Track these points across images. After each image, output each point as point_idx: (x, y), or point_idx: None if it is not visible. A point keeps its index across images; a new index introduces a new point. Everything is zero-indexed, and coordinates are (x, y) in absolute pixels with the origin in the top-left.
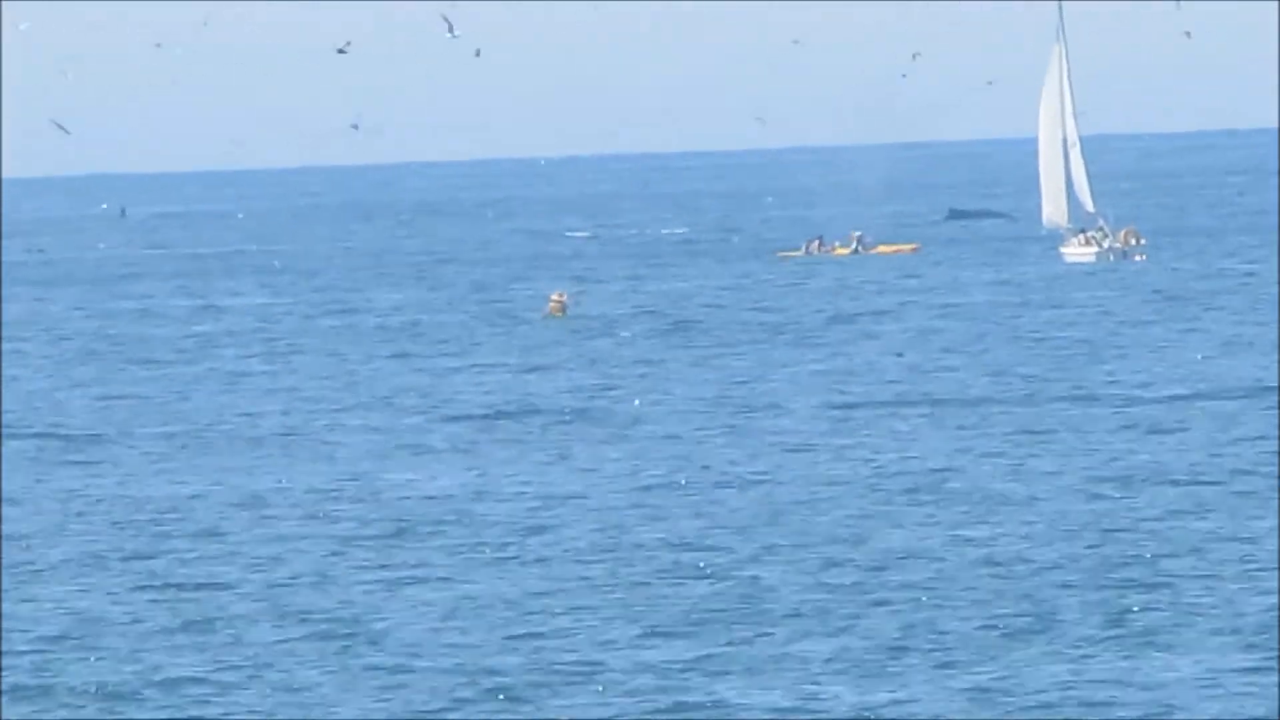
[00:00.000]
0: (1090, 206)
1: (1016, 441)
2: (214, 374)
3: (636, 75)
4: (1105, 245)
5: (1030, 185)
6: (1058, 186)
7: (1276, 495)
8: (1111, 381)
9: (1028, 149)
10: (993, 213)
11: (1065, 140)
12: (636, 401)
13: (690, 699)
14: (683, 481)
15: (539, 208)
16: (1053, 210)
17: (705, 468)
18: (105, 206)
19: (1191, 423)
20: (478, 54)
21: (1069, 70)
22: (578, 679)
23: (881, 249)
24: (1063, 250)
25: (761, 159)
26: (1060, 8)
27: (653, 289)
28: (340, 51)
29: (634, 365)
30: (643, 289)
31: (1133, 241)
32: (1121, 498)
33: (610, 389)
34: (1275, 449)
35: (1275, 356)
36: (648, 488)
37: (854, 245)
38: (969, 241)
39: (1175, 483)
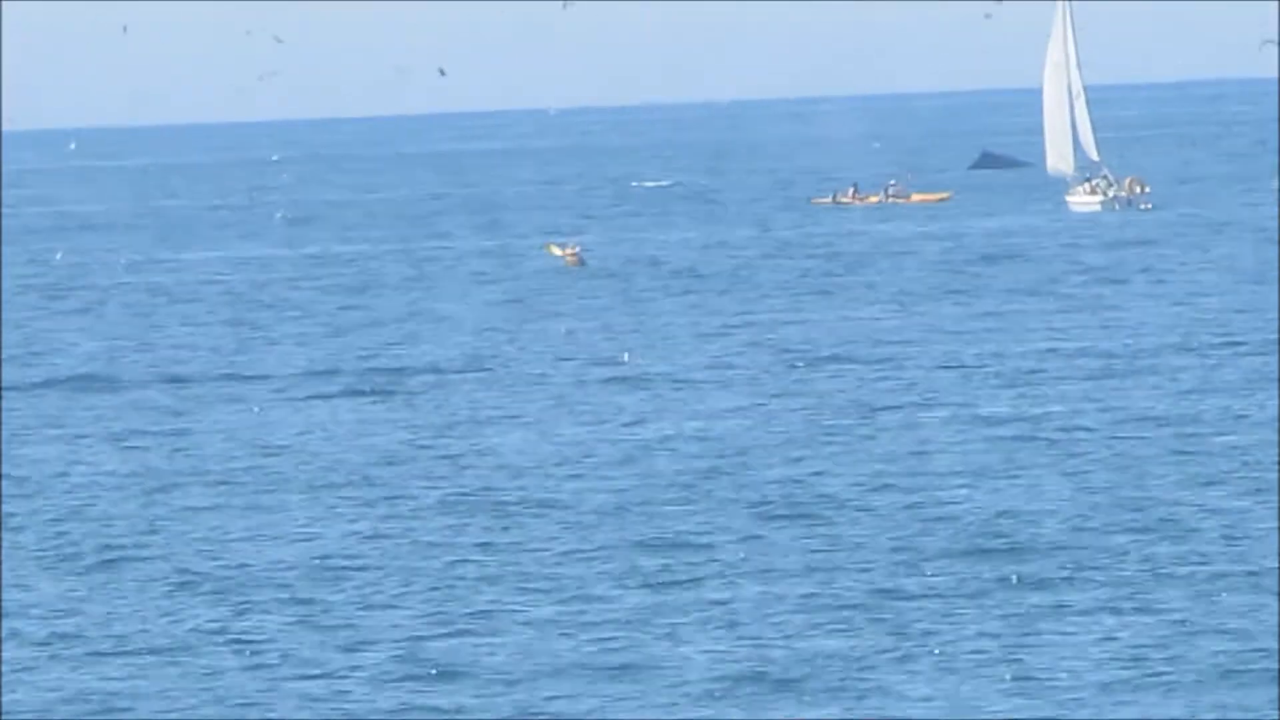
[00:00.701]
0: (1095, 155)
1: (1006, 392)
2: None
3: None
4: (1110, 194)
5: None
6: (1063, 136)
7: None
8: (1105, 330)
9: (1001, 100)
10: (1019, 161)
11: (1070, 90)
12: (626, 356)
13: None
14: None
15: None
16: (1057, 159)
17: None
18: (73, 146)
19: (1186, 371)
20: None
21: (1073, 20)
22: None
23: (915, 198)
24: (1068, 199)
25: (716, 111)
26: None
27: (695, 238)
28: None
29: (646, 318)
30: (688, 239)
31: (1137, 189)
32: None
33: (616, 342)
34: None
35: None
36: (642, 439)
37: (881, 194)
38: (993, 190)
39: (1170, 431)
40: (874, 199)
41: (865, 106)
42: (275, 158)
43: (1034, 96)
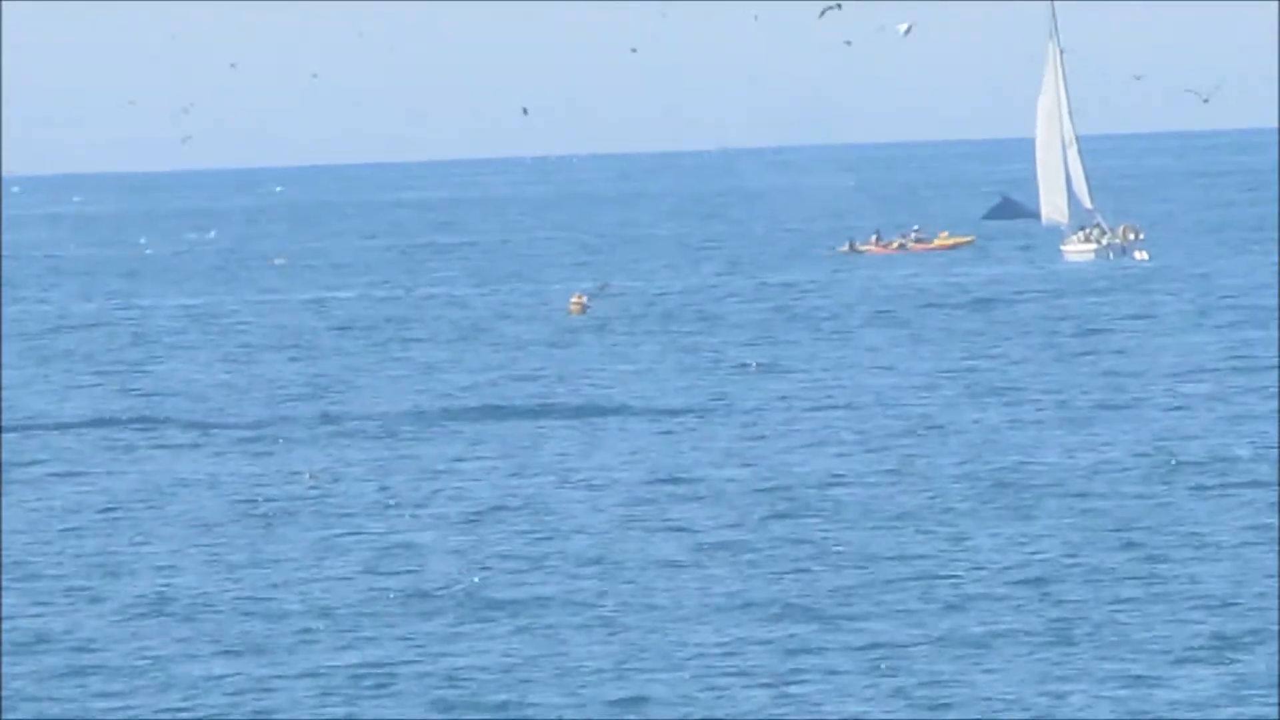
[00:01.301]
0: (1089, 204)
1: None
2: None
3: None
4: (1104, 242)
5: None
6: (1056, 185)
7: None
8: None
9: (989, 149)
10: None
11: (1063, 139)
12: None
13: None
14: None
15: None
16: (1051, 209)
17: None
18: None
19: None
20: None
21: (1064, 69)
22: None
23: (938, 242)
24: (1062, 248)
25: (707, 160)
26: (1053, 7)
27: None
28: (632, 51)
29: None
30: (743, 292)
31: (1131, 236)
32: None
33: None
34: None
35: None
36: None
37: (905, 240)
38: (1003, 238)
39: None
40: (895, 245)
41: (855, 155)
42: (278, 188)
43: (1024, 145)
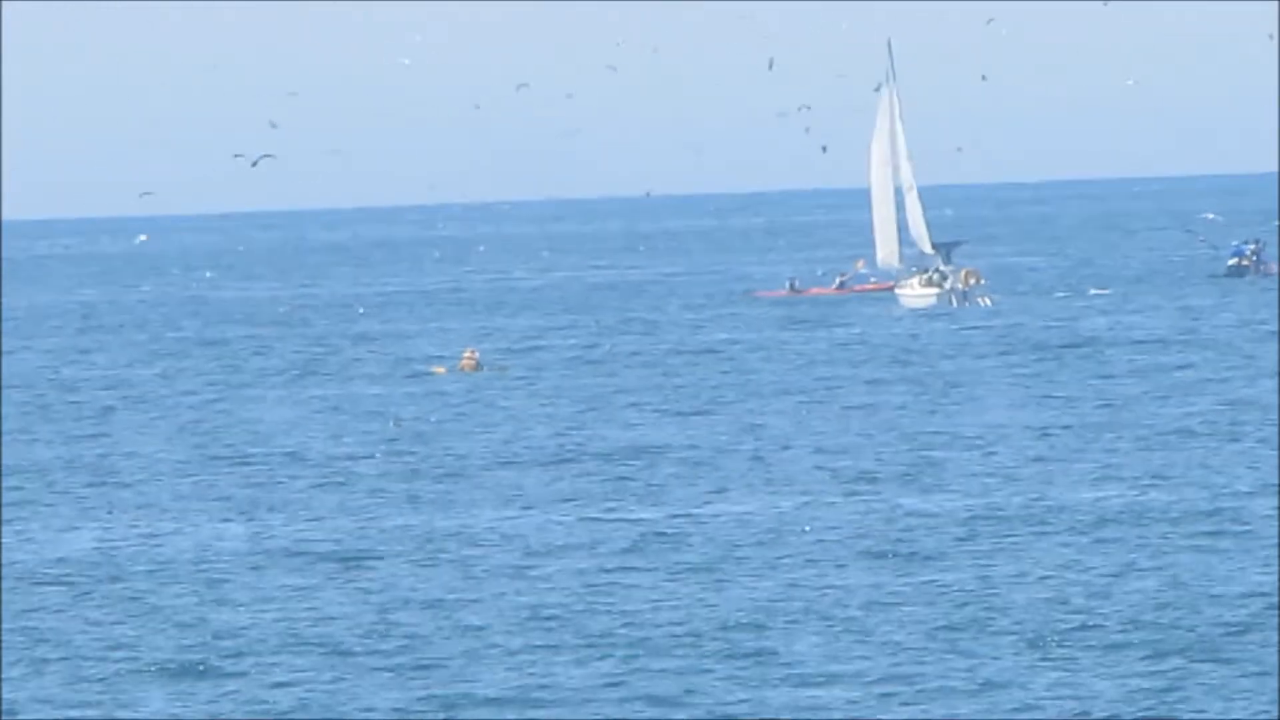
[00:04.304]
0: (928, 248)
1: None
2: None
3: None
4: (946, 286)
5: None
6: (889, 230)
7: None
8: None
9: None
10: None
11: (901, 184)
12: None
13: None
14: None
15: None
16: (886, 254)
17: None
18: None
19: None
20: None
21: (900, 113)
22: None
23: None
24: (898, 291)
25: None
26: (890, 51)
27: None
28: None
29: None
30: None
31: (973, 282)
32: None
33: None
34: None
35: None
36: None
37: (837, 281)
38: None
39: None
40: (836, 285)
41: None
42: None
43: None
